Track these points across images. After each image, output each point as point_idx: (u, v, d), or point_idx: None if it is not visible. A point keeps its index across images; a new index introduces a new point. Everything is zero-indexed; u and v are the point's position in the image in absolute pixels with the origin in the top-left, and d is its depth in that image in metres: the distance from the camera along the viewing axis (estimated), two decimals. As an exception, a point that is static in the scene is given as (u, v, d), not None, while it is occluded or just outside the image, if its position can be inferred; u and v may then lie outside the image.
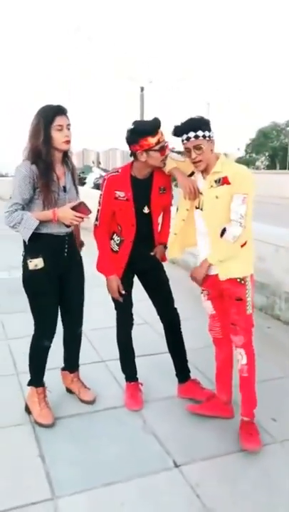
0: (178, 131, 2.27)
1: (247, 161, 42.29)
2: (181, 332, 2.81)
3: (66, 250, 2.52)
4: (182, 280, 3.51)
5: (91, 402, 2.78)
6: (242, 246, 2.32)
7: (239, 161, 42.82)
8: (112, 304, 2.75)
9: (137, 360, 2.89)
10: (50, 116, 2.32)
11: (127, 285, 2.68)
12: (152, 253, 2.67)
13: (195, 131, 2.21)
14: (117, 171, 2.56)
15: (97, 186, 14.66)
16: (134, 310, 2.79)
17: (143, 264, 2.66)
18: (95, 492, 2.08)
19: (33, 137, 2.34)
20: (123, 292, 2.62)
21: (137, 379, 2.87)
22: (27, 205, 2.38)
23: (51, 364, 2.71)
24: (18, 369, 3.14)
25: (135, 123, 2.41)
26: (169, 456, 2.33)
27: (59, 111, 2.35)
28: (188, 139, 2.24)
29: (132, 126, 2.38)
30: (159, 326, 2.87)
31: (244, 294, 2.37)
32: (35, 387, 2.62)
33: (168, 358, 2.87)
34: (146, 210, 2.54)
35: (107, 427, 2.58)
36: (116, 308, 2.76)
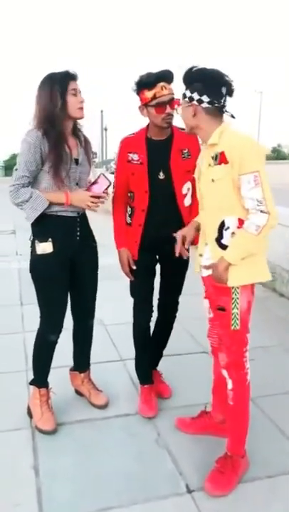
0: None
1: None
2: (172, 327, 2.55)
3: (78, 233, 2.27)
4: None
5: (102, 407, 2.49)
6: None
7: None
8: None
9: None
10: (64, 81, 2.09)
11: (146, 270, 2.37)
12: (175, 234, 2.20)
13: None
14: (133, 133, 2.30)
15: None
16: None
17: (164, 246, 2.22)
18: (90, 517, 1.78)
19: (49, 104, 2.08)
20: (134, 267, 2.36)
21: (153, 382, 2.54)
22: (34, 179, 2.14)
23: (59, 362, 2.45)
24: (29, 365, 2.86)
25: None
26: (182, 478, 1.99)
27: (73, 76, 2.13)
28: None
29: None
30: (188, 324, 2.54)
31: (228, 303, 1.83)
32: (37, 387, 2.37)
33: (195, 360, 2.56)
34: (161, 175, 2.21)
35: (116, 437, 2.27)
36: (132, 295, 2.45)
